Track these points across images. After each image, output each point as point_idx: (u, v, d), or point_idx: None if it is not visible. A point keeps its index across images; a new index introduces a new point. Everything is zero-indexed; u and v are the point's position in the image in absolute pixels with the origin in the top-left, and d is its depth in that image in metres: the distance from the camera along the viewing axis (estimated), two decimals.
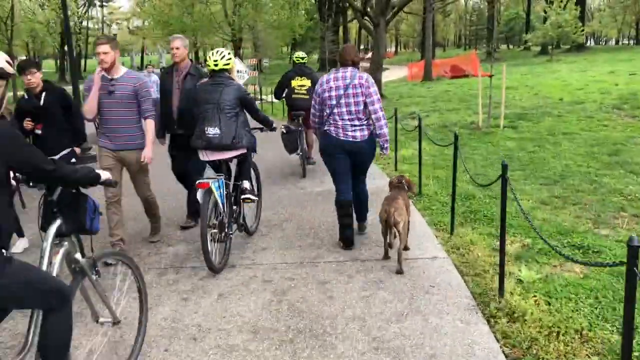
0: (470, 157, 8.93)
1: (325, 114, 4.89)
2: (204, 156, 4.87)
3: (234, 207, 5.04)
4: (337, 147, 4.82)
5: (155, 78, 12.25)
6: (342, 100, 4.76)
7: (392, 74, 39.42)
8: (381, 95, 21.68)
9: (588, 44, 55.13)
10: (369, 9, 19.80)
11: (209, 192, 4.50)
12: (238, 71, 21.15)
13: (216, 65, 4.83)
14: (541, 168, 7.98)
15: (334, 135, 4.81)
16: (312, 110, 5.06)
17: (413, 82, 29.26)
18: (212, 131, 4.69)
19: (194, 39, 43.25)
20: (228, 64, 4.85)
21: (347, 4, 26.77)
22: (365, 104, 4.75)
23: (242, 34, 35.01)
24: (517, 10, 69.93)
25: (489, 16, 58.99)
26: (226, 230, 4.71)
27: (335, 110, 4.79)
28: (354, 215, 5.09)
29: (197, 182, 4.54)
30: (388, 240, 4.71)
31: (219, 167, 4.95)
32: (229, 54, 4.96)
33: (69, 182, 2.62)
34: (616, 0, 66.42)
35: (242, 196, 5.01)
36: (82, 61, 58.77)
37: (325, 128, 4.89)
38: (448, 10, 73.64)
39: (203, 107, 4.79)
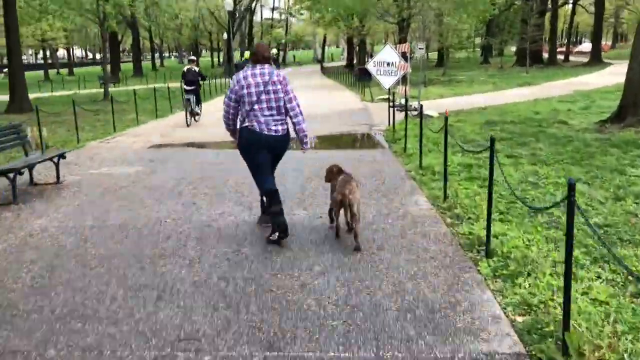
0: None
1: (243, 110, 4.95)
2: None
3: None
4: (262, 142, 4.93)
5: None
6: (263, 97, 4.87)
7: (617, 71, 27.54)
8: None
9: None
10: None
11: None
12: (388, 64, 14.12)
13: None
14: None
15: (258, 130, 4.90)
16: (226, 108, 5.06)
17: None
18: None
19: (359, 23, 35.46)
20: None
21: None
22: (284, 100, 4.92)
23: (410, 12, 26.01)
24: None
25: None
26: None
27: (256, 107, 4.87)
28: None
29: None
30: (345, 221, 5.11)
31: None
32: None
33: None
34: None
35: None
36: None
37: (247, 124, 4.94)
38: None
39: None
